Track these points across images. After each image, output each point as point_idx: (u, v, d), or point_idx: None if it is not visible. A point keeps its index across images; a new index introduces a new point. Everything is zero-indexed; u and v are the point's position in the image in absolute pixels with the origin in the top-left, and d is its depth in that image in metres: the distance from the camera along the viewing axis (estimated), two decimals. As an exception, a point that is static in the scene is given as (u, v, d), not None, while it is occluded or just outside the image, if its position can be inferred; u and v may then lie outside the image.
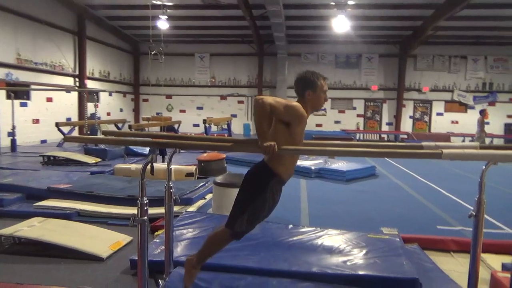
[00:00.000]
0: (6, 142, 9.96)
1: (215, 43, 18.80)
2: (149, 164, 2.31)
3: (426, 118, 18.60)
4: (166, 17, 13.44)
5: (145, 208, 2.23)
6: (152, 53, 8.37)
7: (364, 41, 17.19)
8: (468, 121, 18.00)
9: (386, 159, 10.07)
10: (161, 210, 4.08)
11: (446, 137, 16.40)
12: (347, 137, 14.70)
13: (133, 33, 18.33)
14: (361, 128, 18.79)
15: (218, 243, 2.47)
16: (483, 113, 12.15)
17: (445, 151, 2.10)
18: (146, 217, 2.24)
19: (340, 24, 13.67)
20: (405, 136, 17.63)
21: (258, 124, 2.22)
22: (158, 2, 12.62)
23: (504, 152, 2.12)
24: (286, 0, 12.77)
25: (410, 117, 18.66)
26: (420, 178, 7.78)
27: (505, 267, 3.08)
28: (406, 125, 18.56)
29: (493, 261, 3.34)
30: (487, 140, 13.81)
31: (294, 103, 2.31)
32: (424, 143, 2.49)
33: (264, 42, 18.08)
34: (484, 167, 2.53)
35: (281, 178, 2.39)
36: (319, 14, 14.45)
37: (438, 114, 18.50)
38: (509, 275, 2.43)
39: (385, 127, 18.83)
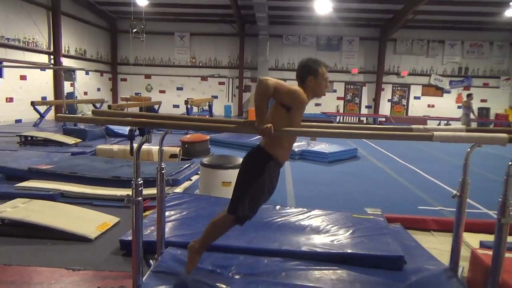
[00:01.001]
0: (-21, 121, 9.62)
1: (195, 22, 18.39)
2: (130, 145, 2.30)
3: (404, 102, 18.94)
4: (145, -7, 13.04)
5: (140, 188, 2.23)
6: (134, 31, 8.11)
7: (345, 24, 17.20)
8: (444, 105, 18.51)
9: (366, 141, 10.27)
10: (146, 191, 4.08)
11: (423, 120, 16.76)
12: (327, 120, 14.84)
13: (110, 10, 17.70)
14: (341, 111, 18.99)
15: (221, 229, 2.51)
16: (470, 97, 12.55)
17: (435, 133, 2.17)
18: (140, 198, 2.25)
19: (322, 6, 13.61)
20: (383, 119, 17.93)
21: (258, 105, 2.23)
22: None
23: (490, 135, 2.19)
24: (269, -20, 12.61)
25: (389, 100, 18.97)
26: (399, 160, 7.99)
27: (483, 245, 3.24)
28: (385, 108, 18.87)
29: (471, 239, 3.50)
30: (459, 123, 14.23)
31: (296, 87, 2.33)
32: (413, 126, 2.56)
33: (246, 23, 17.84)
34: (469, 149, 2.64)
35: (277, 161, 2.43)
36: (301, -5, 14.35)
37: (416, 98, 18.86)
38: (488, 252, 2.56)
39: (364, 110, 19.08)
